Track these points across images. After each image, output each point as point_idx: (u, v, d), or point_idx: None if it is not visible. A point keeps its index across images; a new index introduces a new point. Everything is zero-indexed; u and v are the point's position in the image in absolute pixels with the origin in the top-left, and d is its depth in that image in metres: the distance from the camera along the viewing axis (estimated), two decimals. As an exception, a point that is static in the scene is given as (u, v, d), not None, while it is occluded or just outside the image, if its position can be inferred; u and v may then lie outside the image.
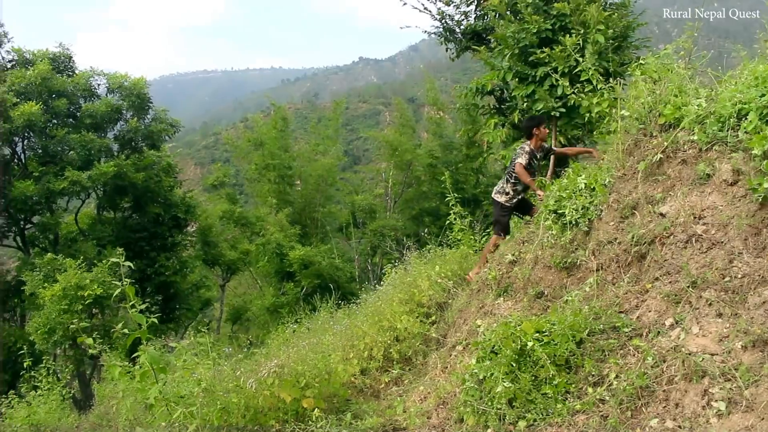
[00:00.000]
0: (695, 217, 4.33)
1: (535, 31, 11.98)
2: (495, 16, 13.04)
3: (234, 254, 28.16)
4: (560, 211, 5.69)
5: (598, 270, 4.92)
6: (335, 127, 36.35)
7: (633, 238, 4.70)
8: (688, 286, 3.88)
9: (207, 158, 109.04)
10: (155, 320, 4.76)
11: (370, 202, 32.59)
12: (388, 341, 6.55)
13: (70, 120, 21.77)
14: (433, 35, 17.44)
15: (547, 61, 11.74)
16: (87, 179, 19.47)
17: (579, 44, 11.25)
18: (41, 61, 21.18)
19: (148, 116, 23.36)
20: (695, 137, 4.86)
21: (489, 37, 16.68)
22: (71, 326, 13.30)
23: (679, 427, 3.14)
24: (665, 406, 3.32)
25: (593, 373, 3.85)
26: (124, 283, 4.59)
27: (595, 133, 8.68)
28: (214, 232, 27.85)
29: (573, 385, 3.89)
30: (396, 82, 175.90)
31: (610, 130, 8.38)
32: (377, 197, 34.47)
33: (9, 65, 21.82)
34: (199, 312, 27.13)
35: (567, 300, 4.77)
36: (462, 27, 16.98)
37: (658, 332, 3.80)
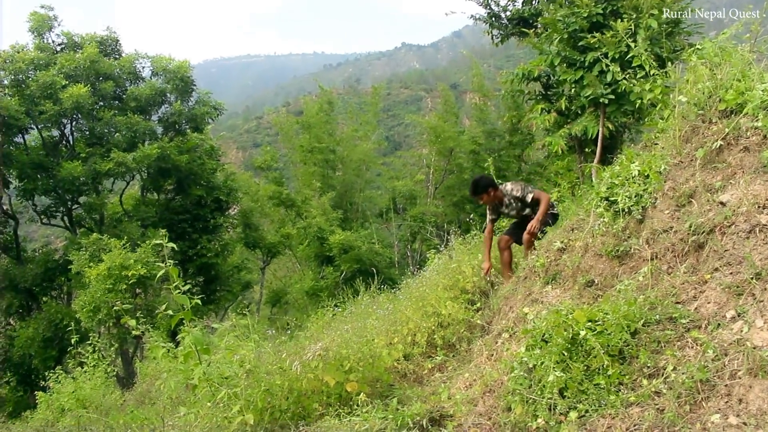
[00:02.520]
0: (759, 207, 4.14)
1: (585, 15, 11.72)
2: (544, -1, 12.78)
3: (275, 237, 28.41)
4: (612, 199, 5.53)
5: (652, 259, 4.76)
6: (374, 112, 36.25)
7: (691, 227, 4.53)
8: (752, 278, 3.71)
9: (249, 142, 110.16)
10: (198, 301, 4.77)
11: (410, 188, 32.47)
12: (432, 327, 6.47)
13: (116, 102, 22.19)
14: (478, 20, 17.23)
15: (597, 46, 11.48)
16: (132, 161, 19.82)
17: (630, 29, 10.97)
18: (89, 44, 21.55)
19: (192, 99, 23.63)
20: (759, 123, 4.67)
21: (536, 23, 16.43)
22: (115, 306, 13.56)
23: (744, 423, 2.99)
24: (727, 402, 3.18)
25: (649, 364, 3.71)
26: (168, 264, 4.60)
27: (646, 120, 8.44)
28: (255, 216, 28.13)
29: (627, 377, 3.75)
30: (438, 69, 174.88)
31: (662, 117, 8.14)
32: (418, 183, 34.30)
33: (59, 48, 22.22)
34: (239, 294, 27.49)
35: (620, 289, 4.62)
36: (508, 12, 16.73)
37: (719, 325, 3.64)
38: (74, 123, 21.78)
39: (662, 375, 3.58)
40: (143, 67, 23.26)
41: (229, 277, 25.18)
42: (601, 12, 11.77)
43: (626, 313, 3.99)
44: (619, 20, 10.98)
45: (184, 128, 23.35)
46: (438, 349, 6.37)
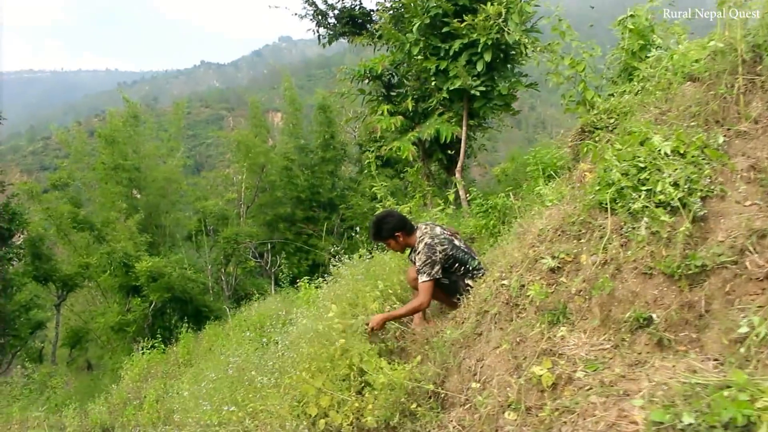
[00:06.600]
0: None
1: (450, -4, 9.89)
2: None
3: (71, 268, 23.91)
4: (646, 188, 3.47)
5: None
6: (177, 129, 32.67)
7: None
8: None
9: (35, 165, 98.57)
10: None
11: (221, 208, 29.27)
12: (360, 405, 3.94)
13: None
14: (303, 18, 15.26)
15: (464, 32, 9.71)
16: None
17: (502, 13, 9.31)
18: None
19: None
20: None
21: (367, 23, 14.73)
22: None
23: None
24: None
25: None
26: None
27: (563, 103, 6.61)
28: (47, 244, 23.56)
29: None
30: (240, 87, 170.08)
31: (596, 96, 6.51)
32: (229, 202, 31.16)
33: None
34: (30, 336, 22.72)
35: (754, 331, 2.53)
36: (336, 11, 14.95)
37: None
38: None
39: None
40: None
41: (15, 318, 20.52)
42: (468, -6, 10.03)
43: None
44: (489, 4, 9.30)
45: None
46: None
